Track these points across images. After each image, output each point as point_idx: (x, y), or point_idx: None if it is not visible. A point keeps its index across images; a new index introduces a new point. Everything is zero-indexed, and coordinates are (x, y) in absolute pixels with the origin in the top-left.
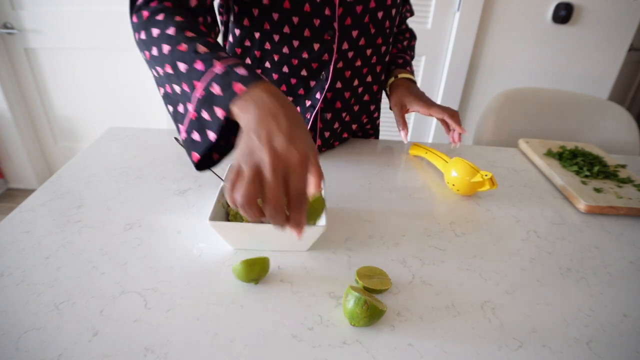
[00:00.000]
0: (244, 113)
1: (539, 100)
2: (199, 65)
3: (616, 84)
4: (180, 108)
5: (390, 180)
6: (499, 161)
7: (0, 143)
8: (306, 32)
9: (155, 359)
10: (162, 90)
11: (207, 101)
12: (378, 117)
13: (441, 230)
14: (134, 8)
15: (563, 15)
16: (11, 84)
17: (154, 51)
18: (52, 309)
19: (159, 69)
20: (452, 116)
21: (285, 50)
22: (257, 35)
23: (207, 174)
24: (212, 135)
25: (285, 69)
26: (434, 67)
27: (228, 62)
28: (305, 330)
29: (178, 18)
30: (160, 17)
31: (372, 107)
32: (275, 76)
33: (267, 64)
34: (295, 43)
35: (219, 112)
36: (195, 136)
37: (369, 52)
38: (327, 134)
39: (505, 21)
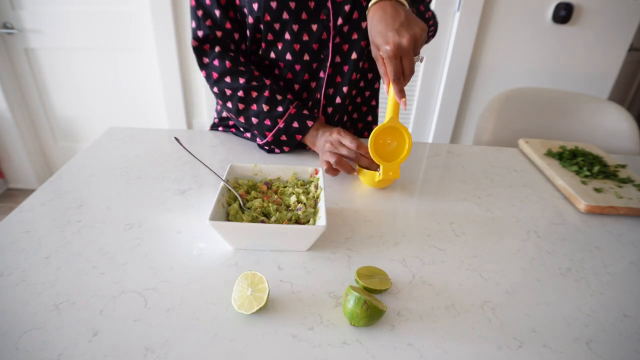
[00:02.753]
0: (311, 138)
1: (539, 100)
2: (267, 122)
3: (616, 84)
4: (257, 130)
5: None
6: (499, 161)
7: (0, 143)
8: (304, 15)
9: (155, 359)
10: (236, 122)
11: (287, 130)
12: (377, 106)
13: (441, 230)
14: (202, 66)
15: (563, 15)
16: (11, 84)
17: (229, 104)
18: (52, 309)
19: (232, 115)
20: (395, 82)
21: (287, 36)
22: (261, 27)
23: (207, 174)
24: (287, 149)
25: (288, 56)
26: (434, 67)
27: (291, 112)
28: (305, 330)
29: (242, 80)
30: (227, 79)
31: (368, 93)
32: (281, 64)
33: (272, 55)
34: (295, 27)
35: (297, 137)
36: (274, 148)
37: (364, 24)
38: (329, 110)
39: (505, 21)
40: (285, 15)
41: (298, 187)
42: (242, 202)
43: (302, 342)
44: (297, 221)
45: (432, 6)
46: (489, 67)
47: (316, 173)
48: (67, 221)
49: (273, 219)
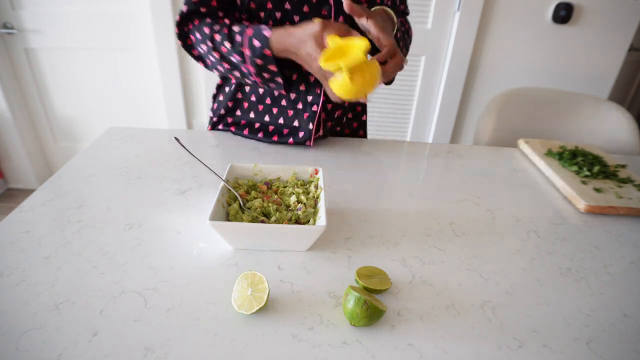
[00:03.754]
0: (280, 43)
1: (539, 100)
2: (237, 57)
3: (616, 84)
4: (238, 73)
5: (390, 180)
6: (499, 161)
7: (0, 143)
8: (305, 8)
9: (155, 359)
10: (227, 74)
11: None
12: (363, 113)
13: (441, 230)
14: (183, 36)
15: (563, 15)
16: (11, 84)
17: (211, 58)
18: (52, 309)
19: (221, 69)
20: (393, 55)
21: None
22: (262, 14)
23: (207, 174)
24: (274, 68)
25: None
26: (434, 67)
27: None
28: (305, 330)
29: (206, 30)
30: (199, 35)
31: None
32: None
33: None
34: (296, 18)
35: (267, 53)
36: (265, 75)
37: None
38: (329, 106)
39: (505, 21)
40: (287, 5)
41: (298, 187)
42: (242, 202)
43: (302, 342)
44: (297, 221)
45: (432, 6)
46: (489, 67)
47: (316, 173)
48: (67, 221)
49: (273, 219)
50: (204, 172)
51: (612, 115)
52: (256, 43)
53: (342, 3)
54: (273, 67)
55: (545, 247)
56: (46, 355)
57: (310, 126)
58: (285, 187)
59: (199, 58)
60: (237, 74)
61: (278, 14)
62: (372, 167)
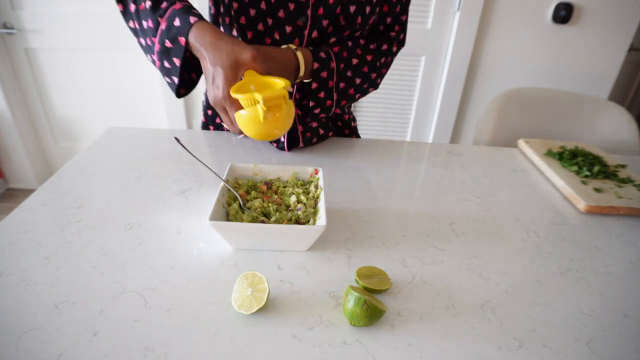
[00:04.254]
0: (196, 43)
1: (539, 100)
2: (150, 23)
3: (616, 84)
4: (149, 41)
5: (390, 180)
6: (499, 161)
7: (0, 143)
8: (280, 13)
9: (155, 359)
10: (135, 35)
11: (169, 31)
12: (351, 120)
13: (441, 230)
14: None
15: (563, 15)
16: (11, 84)
17: (131, 5)
18: (52, 309)
19: (134, 20)
20: None
21: (260, 27)
22: (235, 5)
23: (207, 174)
24: (177, 62)
25: None
26: (434, 67)
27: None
28: (305, 330)
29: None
30: (141, 6)
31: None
32: None
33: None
34: (269, 21)
35: (180, 40)
36: (166, 64)
37: (336, 49)
38: (300, 128)
39: (505, 21)
40: (262, 5)
41: (298, 187)
42: (242, 202)
43: (302, 342)
44: (297, 221)
45: (432, 6)
46: (489, 67)
47: (316, 173)
48: (67, 221)
49: (273, 219)
50: (204, 172)
51: (612, 115)
52: (177, 22)
53: (319, 17)
54: (177, 61)
55: (545, 247)
56: (46, 355)
57: (282, 139)
58: (285, 187)
59: (120, 0)
60: (145, 41)
61: (252, 11)
62: (372, 167)
